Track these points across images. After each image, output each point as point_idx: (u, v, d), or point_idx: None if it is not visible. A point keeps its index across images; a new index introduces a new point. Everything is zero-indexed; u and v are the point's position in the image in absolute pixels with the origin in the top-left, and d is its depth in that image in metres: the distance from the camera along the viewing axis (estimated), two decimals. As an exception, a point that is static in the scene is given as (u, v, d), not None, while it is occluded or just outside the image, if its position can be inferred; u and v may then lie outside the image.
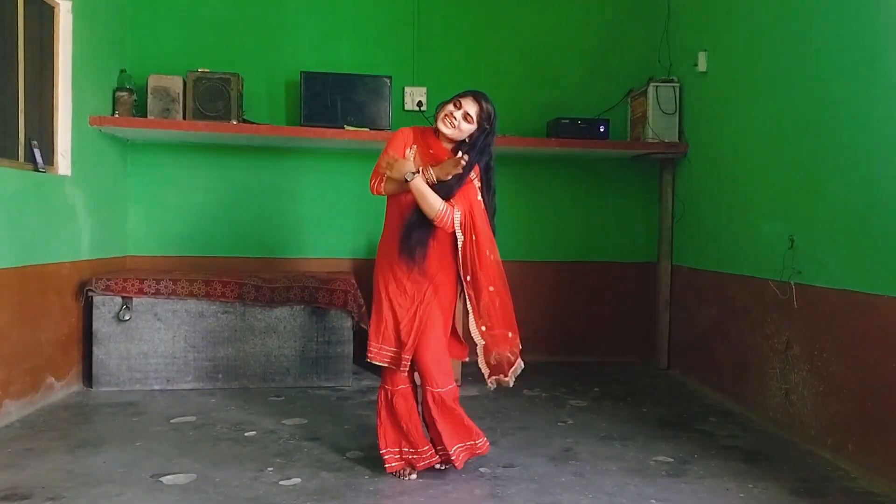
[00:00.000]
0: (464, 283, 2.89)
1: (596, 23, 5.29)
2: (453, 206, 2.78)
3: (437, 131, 2.86)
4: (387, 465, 2.88)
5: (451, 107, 2.81)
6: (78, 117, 4.11)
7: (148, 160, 4.92)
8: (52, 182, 3.89)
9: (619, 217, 5.34)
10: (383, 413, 2.91)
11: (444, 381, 2.85)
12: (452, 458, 2.85)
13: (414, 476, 2.88)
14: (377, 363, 2.88)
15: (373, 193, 2.89)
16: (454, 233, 2.82)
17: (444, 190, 2.77)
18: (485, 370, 2.93)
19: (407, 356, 2.83)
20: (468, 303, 2.89)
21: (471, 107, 2.79)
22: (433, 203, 2.74)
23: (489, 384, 2.95)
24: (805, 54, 3.50)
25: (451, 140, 2.86)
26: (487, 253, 2.85)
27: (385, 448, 2.88)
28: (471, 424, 2.91)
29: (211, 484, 2.77)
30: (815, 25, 3.43)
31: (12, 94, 3.61)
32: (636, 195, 5.34)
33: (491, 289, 2.87)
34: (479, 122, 2.81)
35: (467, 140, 2.85)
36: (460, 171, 2.72)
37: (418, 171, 2.75)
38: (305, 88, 4.70)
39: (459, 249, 2.84)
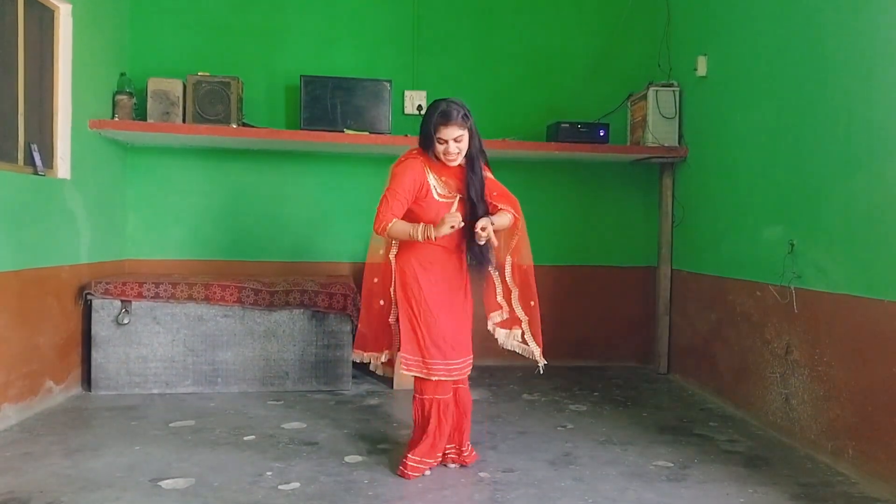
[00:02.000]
0: (509, 267, 3.05)
1: (596, 27, 5.30)
2: (507, 209, 2.95)
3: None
4: (410, 474, 2.90)
5: (440, 147, 2.82)
6: (77, 121, 4.10)
7: (147, 164, 4.92)
8: (51, 185, 3.89)
9: (618, 221, 5.34)
10: (442, 424, 2.91)
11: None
12: (466, 453, 3.07)
13: (429, 472, 2.97)
14: (436, 378, 2.89)
15: (380, 234, 2.88)
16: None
17: (482, 207, 2.88)
18: (536, 349, 3.05)
19: (459, 362, 2.93)
20: (513, 281, 3.04)
21: (455, 131, 2.80)
22: (505, 223, 2.95)
23: (541, 362, 3.05)
24: (804, 58, 3.50)
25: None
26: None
27: (419, 457, 2.91)
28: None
29: (209, 488, 2.77)
30: (814, 29, 3.44)
31: (12, 98, 3.62)
32: (636, 199, 5.33)
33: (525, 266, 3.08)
34: (467, 130, 2.84)
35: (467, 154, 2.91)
36: (459, 224, 2.77)
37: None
38: (305, 92, 4.69)
39: (518, 235, 3.04)
